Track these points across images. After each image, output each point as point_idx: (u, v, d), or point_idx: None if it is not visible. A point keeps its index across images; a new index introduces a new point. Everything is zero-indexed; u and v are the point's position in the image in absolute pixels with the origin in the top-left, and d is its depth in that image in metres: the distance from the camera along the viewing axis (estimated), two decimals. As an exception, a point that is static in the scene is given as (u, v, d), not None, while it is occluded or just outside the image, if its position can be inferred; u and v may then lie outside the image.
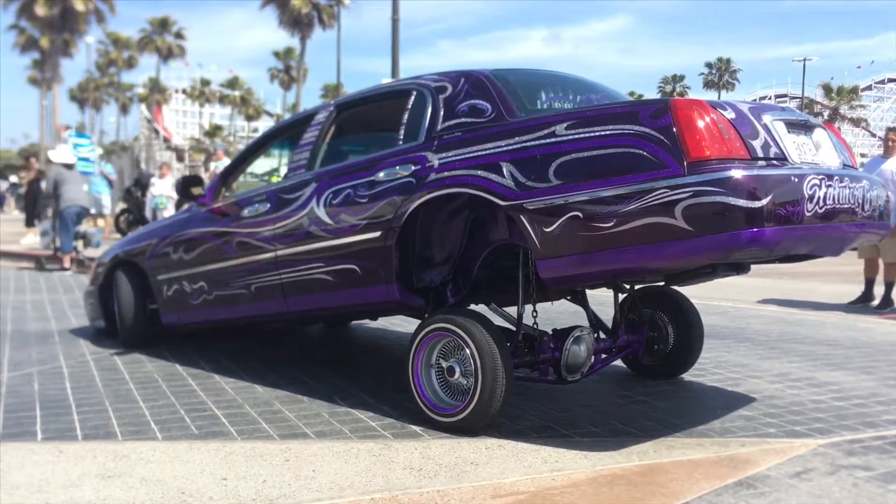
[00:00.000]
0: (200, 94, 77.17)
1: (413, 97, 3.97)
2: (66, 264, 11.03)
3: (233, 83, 76.25)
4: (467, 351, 3.33)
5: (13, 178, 38.65)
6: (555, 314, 5.41)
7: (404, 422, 3.55)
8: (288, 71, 64.16)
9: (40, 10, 38.00)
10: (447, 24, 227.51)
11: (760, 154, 3.03)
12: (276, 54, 65.61)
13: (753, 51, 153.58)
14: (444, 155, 3.60)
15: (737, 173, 2.83)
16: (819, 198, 3.01)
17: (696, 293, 8.36)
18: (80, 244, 11.16)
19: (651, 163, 2.93)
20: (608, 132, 3.09)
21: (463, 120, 3.68)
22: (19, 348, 5.17)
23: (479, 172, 3.39)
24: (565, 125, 3.22)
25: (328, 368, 4.66)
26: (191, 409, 3.74)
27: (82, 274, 10.87)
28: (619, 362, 4.49)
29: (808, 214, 2.96)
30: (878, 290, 7.85)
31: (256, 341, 5.55)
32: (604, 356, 4.10)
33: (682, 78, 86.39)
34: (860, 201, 3.27)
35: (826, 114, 63.01)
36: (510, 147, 3.35)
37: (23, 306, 7.14)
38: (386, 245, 3.70)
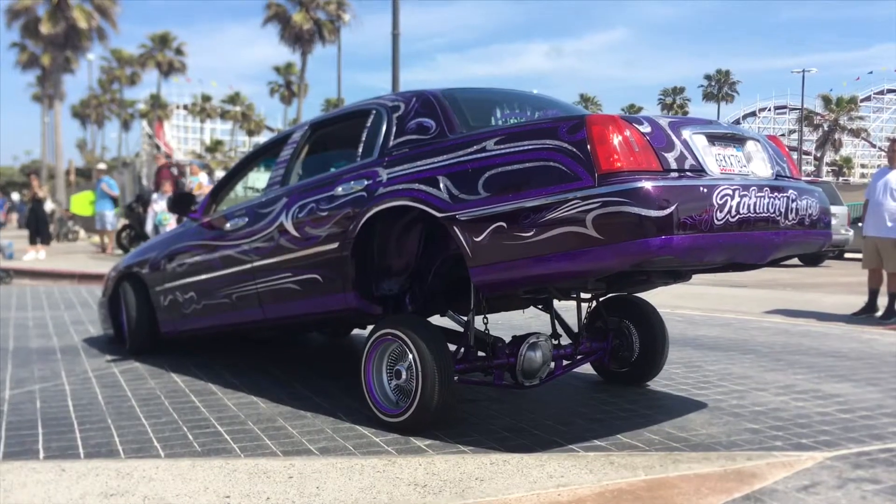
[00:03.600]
0: (201, 109, 77.41)
1: (372, 116, 4.20)
2: None
3: (234, 99, 76.51)
4: (410, 356, 3.51)
5: (15, 196, 38.70)
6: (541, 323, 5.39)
7: (408, 437, 3.53)
8: (289, 86, 64.40)
9: (44, 28, 38.10)
10: (447, 39, 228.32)
11: (674, 166, 3.16)
12: (277, 69, 65.88)
13: (753, 62, 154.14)
14: (392, 170, 3.82)
15: (642, 184, 2.97)
16: (731, 207, 3.14)
17: (699, 305, 8.38)
18: None
19: (567, 175, 3.10)
20: (530, 147, 3.25)
21: (411, 137, 3.90)
22: (21, 366, 5.15)
23: (420, 186, 3.59)
24: (494, 140, 3.40)
25: (331, 383, 4.64)
26: (193, 426, 3.72)
27: (4, 284, 10.95)
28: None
29: (717, 223, 3.09)
30: (882, 301, 7.84)
31: (259, 356, 5.54)
32: (565, 362, 4.24)
33: (682, 90, 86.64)
34: (782, 210, 3.39)
35: (826, 125, 63.10)
36: (447, 162, 3.54)
37: (25, 323, 7.13)
38: (342, 255, 3.94)
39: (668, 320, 7.29)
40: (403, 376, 3.60)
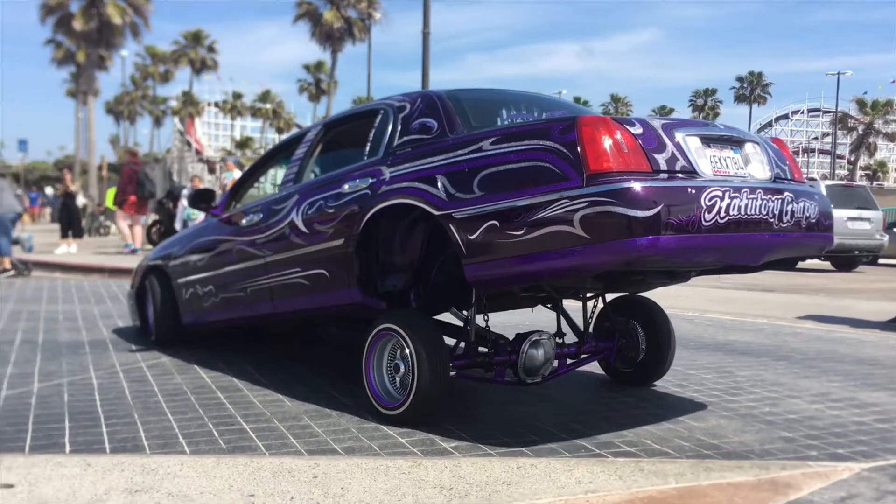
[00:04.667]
0: (232, 107, 78.04)
1: (380, 116, 4.31)
2: (7, 266, 11.43)
3: (264, 96, 77.04)
4: (407, 350, 3.60)
5: (49, 190, 39.26)
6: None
7: (435, 438, 3.49)
8: (318, 84, 64.71)
9: (78, 25, 38.63)
10: (477, 38, 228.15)
11: (664, 167, 3.19)
12: (307, 67, 66.21)
13: (786, 64, 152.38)
14: (394, 169, 3.91)
15: (629, 185, 3.02)
16: (720, 208, 3.16)
17: (730, 309, 8.26)
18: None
19: (557, 175, 3.16)
20: (524, 147, 3.31)
21: (414, 136, 3.99)
22: (50, 359, 5.19)
23: (419, 185, 3.67)
24: (490, 141, 3.47)
25: (357, 382, 4.59)
26: (219, 423, 3.71)
27: (21, 276, 11.07)
28: (668, 384, 4.39)
29: (706, 224, 3.11)
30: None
31: (285, 354, 5.53)
32: (570, 361, 4.27)
33: (713, 92, 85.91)
34: (776, 212, 3.39)
35: (860, 128, 62.16)
36: (445, 161, 3.62)
37: (55, 316, 7.19)
38: (348, 252, 4.03)
39: (698, 324, 7.23)
40: (401, 370, 3.69)
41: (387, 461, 3.16)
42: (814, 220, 3.62)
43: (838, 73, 53.21)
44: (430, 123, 3.95)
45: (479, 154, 3.47)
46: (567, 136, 3.17)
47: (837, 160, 65.70)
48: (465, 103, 4.03)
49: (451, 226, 3.46)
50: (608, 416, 3.92)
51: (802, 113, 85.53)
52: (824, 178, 41.83)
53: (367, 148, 4.24)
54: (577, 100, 79.89)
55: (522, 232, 3.21)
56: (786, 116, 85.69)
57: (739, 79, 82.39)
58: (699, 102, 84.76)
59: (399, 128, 4.10)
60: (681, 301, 8.84)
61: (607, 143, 3.10)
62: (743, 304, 8.90)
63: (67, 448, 3.30)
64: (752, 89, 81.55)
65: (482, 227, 3.34)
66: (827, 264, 16.75)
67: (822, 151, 79.64)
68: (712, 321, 7.56)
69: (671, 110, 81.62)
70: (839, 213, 14.98)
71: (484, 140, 3.50)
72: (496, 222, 3.29)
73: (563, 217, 3.09)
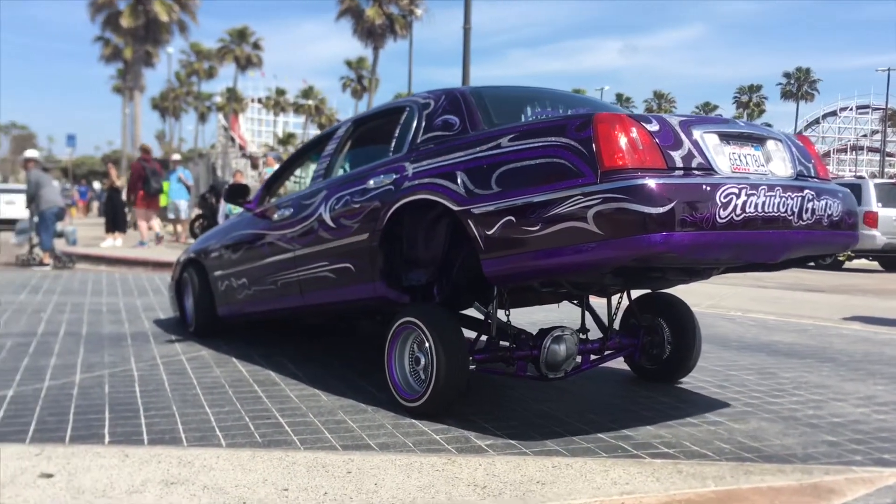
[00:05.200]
0: (275, 103, 78.78)
1: (406, 113, 4.38)
2: (47, 260, 11.68)
3: (307, 93, 77.64)
4: (427, 343, 3.65)
5: (96, 184, 40.01)
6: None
7: (469, 436, 3.47)
8: (360, 80, 64.99)
9: (125, 22, 39.33)
10: (519, 34, 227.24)
11: (680, 164, 3.19)
12: (349, 64, 66.52)
13: (835, 60, 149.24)
14: (417, 165, 3.97)
15: (642, 181, 3.03)
16: (736, 206, 3.15)
17: (773, 309, 8.10)
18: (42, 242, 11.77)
19: (572, 172, 3.18)
20: (540, 143, 3.34)
21: (437, 133, 4.05)
22: (93, 350, 5.27)
23: (439, 180, 3.73)
24: (509, 137, 3.50)
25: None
26: (255, 417, 3.73)
27: (62, 269, 11.28)
28: (697, 383, 4.32)
29: (720, 221, 3.10)
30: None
31: (322, 349, 5.55)
32: (593, 357, 4.30)
33: (759, 88, 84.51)
34: (795, 210, 3.37)
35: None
36: (465, 158, 3.67)
37: (99, 308, 7.31)
38: (372, 246, 4.11)
39: (741, 324, 7.10)
40: (422, 362, 3.73)
41: (421, 458, 3.15)
42: (836, 219, 3.57)
43: (888, 70, 51.93)
44: (453, 120, 4.00)
45: (498, 151, 3.51)
46: (583, 133, 3.18)
47: (887, 158, 64.20)
48: (487, 100, 4.07)
49: (469, 221, 3.51)
50: (645, 416, 3.86)
51: (851, 110, 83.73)
52: (873, 176, 40.87)
53: (393, 144, 4.32)
54: (619, 96, 79.24)
55: (538, 228, 3.24)
56: (834, 113, 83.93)
57: (786, 75, 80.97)
58: (743, 99, 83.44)
59: (423, 124, 4.16)
60: (724, 300, 8.71)
61: (622, 140, 3.11)
62: (787, 304, 8.72)
63: (107, 439, 3.35)
64: (799, 85, 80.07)
65: (499, 223, 3.38)
66: (875, 264, 16.35)
67: (871, 149, 77.87)
68: (755, 321, 7.42)
69: (715, 107, 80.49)
70: (888, 212, 14.61)
71: (503, 137, 3.53)
72: (512, 218, 3.33)
73: (577, 213, 3.12)
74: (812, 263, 14.66)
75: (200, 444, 3.28)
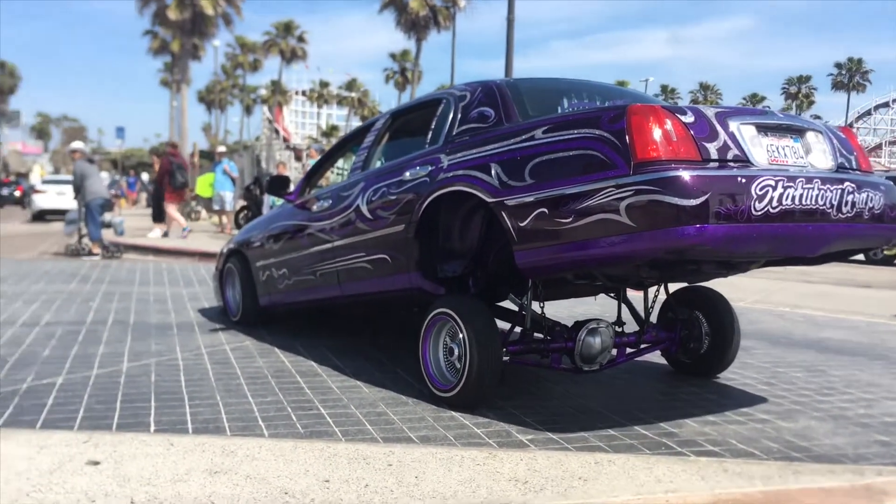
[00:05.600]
0: (319, 95, 79.26)
1: (442, 105, 4.39)
2: (96, 250, 11.90)
3: (350, 85, 77.97)
4: (461, 334, 3.67)
5: (145, 176, 40.72)
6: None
7: (510, 430, 3.44)
8: (403, 73, 65.07)
9: (172, 15, 39.89)
10: (563, 26, 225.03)
11: (715, 156, 3.15)
12: (393, 56, 66.64)
13: (888, 50, 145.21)
14: (452, 157, 3.98)
15: (676, 173, 3.00)
16: (772, 198, 3.11)
17: (823, 305, 7.92)
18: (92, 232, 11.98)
19: (605, 164, 3.16)
20: (574, 135, 3.32)
21: (472, 125, 4.06)
22: (140, 339, 5.35)
23: (474, 172, 3.74)
24: (543, 129, 3.50)
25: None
26: (297, 407, 3.75)
27: (112, 258, 11.47)
28: (732, 377, 4.24)
29: (756, 214, 3.06)
30: None
31: (363, 340, 5.56)
32: (629, 350, 4.28)
33: (808, 79, 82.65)
34: (834, 203, 3.31)
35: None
36: (499, 149, 3.67)
37: (146, 298, 7.43)
38: (408, 237, 4.15)
39: (789, 320, 6.96)
40: (456, 353, 3.76)
41: (462, 451, 3.14)
42: (878, 212, 3.49)
43: (946, 59, 50.43)
44: (488, 112, 4.01)
45: (532, 142, 3.51)
46: (616, 125, 3.16)
47: (943, 151, 62.46)
48: (523, 92, 4.07)
49: (502, 213, 3.51)
50: (688, 412, 3.80)
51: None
52: (928, 169, 39.77)
53: (429, 136, 4.34)
54: (664, 88, 78.18)
55: (570, 220, 3.24)
56: (886, 105, 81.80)
57: (838, 65, 79.03)
58: (792, 90, 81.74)
59: (459, 116, 4.18)
60: (771, 295, 8.55)
61: (656, 131, 3.09)
62: (837, 300, 8.53)
63: (152, 427, 3.39)
64: (850, 76, 78.14)
65: (532, 215, 3.38)
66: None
67: (925, 142, 75.78)
68: (804, 317, 7.27)
69: (762, 98, 78.95)
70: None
71: (536, 129, 3.53)
72: (545, 210, 3.33)
73: (609, 205, 3.10)
74: (863, 258, 14.34)
75: (243, 434, 3.31)
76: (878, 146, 69.16)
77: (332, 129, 75.57)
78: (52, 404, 3.70)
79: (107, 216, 12.83)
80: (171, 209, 14.93)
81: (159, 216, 15.78)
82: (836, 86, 79.15)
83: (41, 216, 24.54)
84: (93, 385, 4.07)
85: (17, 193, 37.78)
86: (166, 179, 14.49)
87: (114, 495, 2.60)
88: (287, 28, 61.77)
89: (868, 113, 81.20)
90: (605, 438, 3.36)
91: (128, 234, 14.59)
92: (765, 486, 2.84)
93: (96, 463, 2.88)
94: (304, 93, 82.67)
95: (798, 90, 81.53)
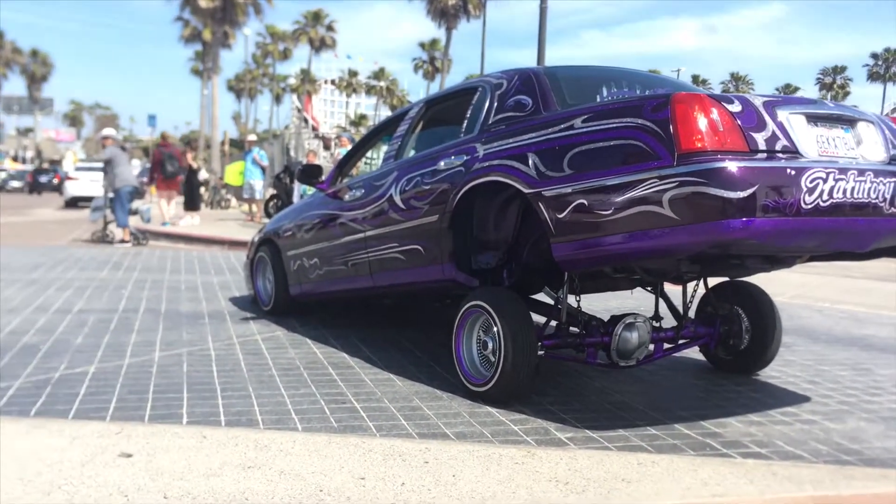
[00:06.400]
0: (348, 84, 79.33)
1: (478, 94, 4.28)
2: (126, 237, 11.93)
3: (378, 74, 77.95)
4: (495, 328, 3.60)
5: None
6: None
7: (549, 427, 3.36)
8: (432, 62, 64.91)
9: (203, 2, 40.08)
10: (592, 15, 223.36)
11: (763, 147, 3.03)
12: (422, 45, 66.48)
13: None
14: (488, 146, 3.88)
15: (722, 164, 2.89)
16: (822, 191, 3.00)
17: (865, 301, 7.72)
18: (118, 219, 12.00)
19: (648, 154, 3.05)
20: (615, 125, 3.21)
21: (509, 114, 3.95)
22: (171, 328, 5.33)
23: (510, 162, 3.63)
24: (582, 118, 3.39)
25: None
26: (331, 401, 3.69)
27: (139, 245, 11.51)
28: (771, 376, 4.11)
29: (805, 207, 2.96)
30: None
31: (396, 332, 5.49)
32: (666, 346, 4.18)
33: (843, 69, 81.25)
34: (887, 196, 3.20)
35: None
36: (537, 139, 3.56)
37: (178, 286, 7.43)
38: (441, 228, 4.06)
39: (829, 316, 6.79)
40: (490, 347, 3.70)
41: (499, 449, 3.06)
42: None
43: None
44: (525, 101, 3.91)
45: (571, 132, 3.41)
46: (659, 114, 3.05)
47: (982, 143, 61.17)
48: (561, 81, 3.96)
49: (540, 204, 3.42)
50: (732, 411, 3.69)
51: (944, 92, 79.83)
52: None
53: (464, 125, 4.25)
54: (694, 78, 77.26)
55: (610, 212, 3.14)
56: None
57: (874, 55, 77.47)
58: (827, 80, 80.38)
59: (495, 105, 4.08)
60: (810, 290, 8.36)
61: (702, 121, 2.97)
62: (879, 296, 8.31)
63: (185, 419, 3.35)
64: (887, 66, 76.62)
65: (570, 206, 3.29)
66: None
67: (964, 133, 74.15)
68: (845, 313, 7.08)
69: (796, 88, 77.73)
70: None
71: (576, 118, 3.43)
72: (584, 201, 3.24)
73: (651, 197, 3.00)
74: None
75: (277, 428, 3.26)
76: (915, 138, 67.63)
77: (361, 118, 75.73)
78: (84, 394, 3.67)
79: (134, 203, 12.87)
80: (162, 199, 14.99)
81: (191, 204, 15.84)
82: (872, 76, 77.65)
83: (74, 203, 24.78)
84: (125, 375, 4.04)
85: (56, 181, 38.36)
86: (156, 170, 14.60)
87: (146, 489, 2.55)
88: (316, 17, 61.86)
89: (905, 104, 79.58)
90: (647, 438, 3.26)
91: (157, 221, 14.65)
92: (815, 490, 2.74)
93: (129, 455, 2.84)
94: (332, 82, 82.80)
95: (833, 81, 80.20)
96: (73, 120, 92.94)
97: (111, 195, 11.93)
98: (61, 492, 2.52)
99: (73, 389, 3.73)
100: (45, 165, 48.75)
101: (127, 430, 3.12)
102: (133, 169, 12.89)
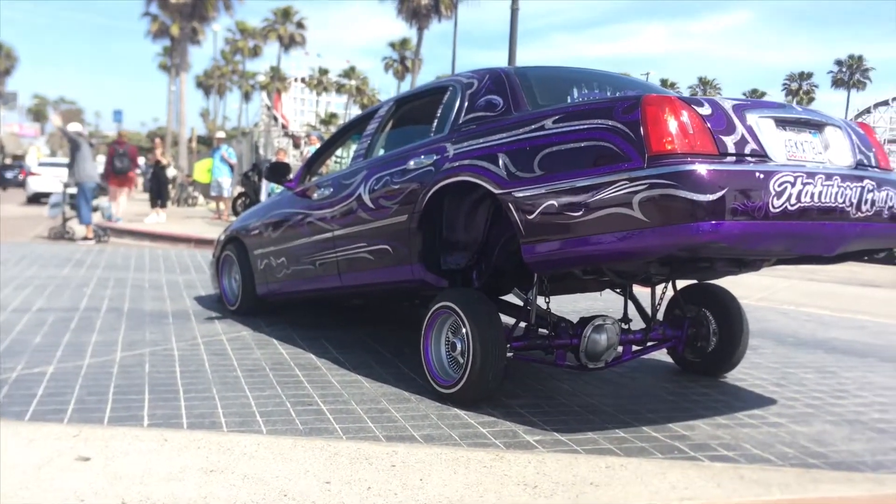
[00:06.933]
0: (318, 83, 78.96)
1: (448, 93, 4.25)
2: (89, 234, 11.68)
3: (349, 73, 77.66)
4: (464, 329, 3.57)
5: (141, 160, 40.46)
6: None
7: (518, 430, 3.33)
8: (402, 61, 64.77)
9: (172, -3, 39.59)
10: (563, 17, 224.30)
11: (732, 150, 3.03)
12: (393, 45, 66.33)
13: (889, 49, 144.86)
14: (458, 146, 3.86)
15: (692, 167, 2.88)
16: (791, 195, 3.01)
17: (830, 304, 7.82)
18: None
19: (618, 156, 3.04)
20: (586, 126, 3.20)
21: (479, 114, 3.92)
22: (134, 328, 5.22)
23: (480, 162, 3.62)
24: (553, 119, 3.37)
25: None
26: (297, 402, 3.63)
27: (101, 242, 11.35)
28: (764, 379, 4.12)
29: (774, 210, 2.96)
30: None
31: (364, 333, 5.43)
32: (635, 348, 4.18)
33: (809, 75, 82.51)
34: (854, 201, 3.21)
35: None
36: (507, 139, 3.55)
37: (142, 284, 7.30)
38: (410, 228, 4.03)
39: (795, 319, 6.86)
40: (458, 348, 3.68)
41: (467, 452, 3.02)
42: None
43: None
44: (496, 101, 3.89)
45: (542, 133, 3.39)
46: (630, 116, 3.04)
47: (942, 150, 62.47)
48: (532, 81, 3.95)
49: (510, 205, 3.41)
50: (699, 414, 3.69)
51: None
52: (928, 168, 39.64)
53: (435, 125, 4.22)
54: (663, 81, 77.91)
55: (580, 213, 3.13)
56: (885, 103, 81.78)
57: (838, 62, 78.76)
58: (793, 86, 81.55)
59: (466, 105, 4.05)
60: (776, 294, 8.45)
61: (672, 123, 2.97)
62: (843, 300, 8.42)
63: (146, 421, 3.27)
64: (851, 74, 77.92)
65: (540, 207, 3.28)
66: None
67: (925, 140, 75.74)
68: (810, 316, 7.16)
69: (763, 93, 78.76)
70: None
71: (547, 119, 3.42)
72: (555, 202, 3.22)
73: (621, 199, 2.99)
74: (866, 258, 14.22)
75: (240, 430, 3.19)
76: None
77: (331, 116, 75.31)
78: (41, 395, 3.57)
79: (95, 200, 12.65)
80: (113, 195, 14.83)
81: (158, 201, 15.63)
82: (837, 83, 78.96)
83: (37, 199, 24.34)
84: (84, 375, 3.94)
85: (21, 177, 37.64)
86: (108, 167, 14.47)
87: (104, 494, 2.48)
88: (286, 14, 61.44)
89: (867, 111, 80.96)
90: (616, 441, 3.25)
91: (125, 218, 14.43)
92: (782, 494, 2.74)
93: (87, 459, 2.76)
94: (303, 80, 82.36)
95: (799, 86, 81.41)
96: (38, 114, 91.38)
97: (73, 190, 11.70)
98: (16, 497, 2.43)
99: (30, 390, 3.63)
100: (9, 161, 47.84)
101: (85, 432, 3.04)
102: (98, 166, 12.65)
